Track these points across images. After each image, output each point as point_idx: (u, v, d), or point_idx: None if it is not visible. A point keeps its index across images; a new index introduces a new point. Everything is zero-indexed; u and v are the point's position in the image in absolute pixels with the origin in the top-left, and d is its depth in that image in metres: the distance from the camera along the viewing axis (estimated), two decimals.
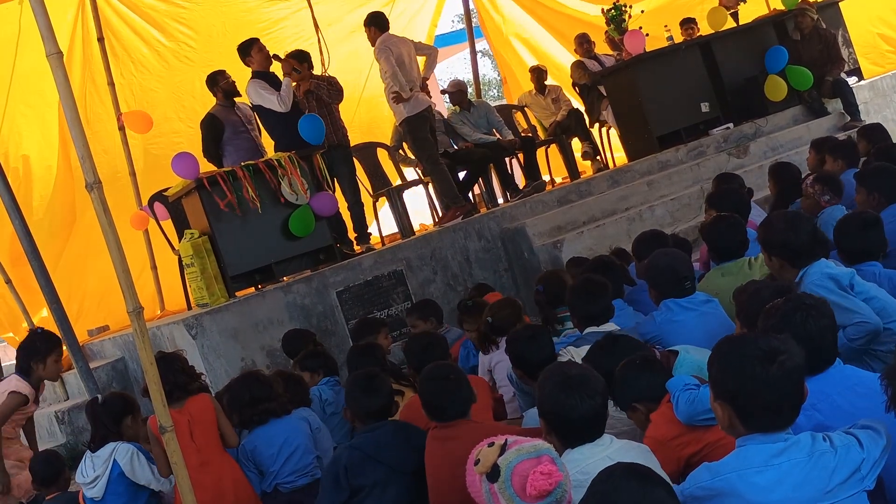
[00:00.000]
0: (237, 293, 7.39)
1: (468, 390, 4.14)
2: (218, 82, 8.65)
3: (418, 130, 8.88)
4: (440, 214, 9.40)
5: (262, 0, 10.81)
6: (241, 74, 8.75)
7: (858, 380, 3.16)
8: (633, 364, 3.74)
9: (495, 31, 13.42)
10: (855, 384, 3.14)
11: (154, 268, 9.86)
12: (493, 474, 2.98)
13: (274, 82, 8.41)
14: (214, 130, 8.57)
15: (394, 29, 9.30)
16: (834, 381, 3.12)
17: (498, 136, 10.56)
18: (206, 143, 8.62)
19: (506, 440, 3.06)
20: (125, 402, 5.33)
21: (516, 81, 13.38)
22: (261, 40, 8.65)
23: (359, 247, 8.63)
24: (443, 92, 11.01)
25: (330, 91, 8.88)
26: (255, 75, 8.48)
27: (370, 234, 8.98)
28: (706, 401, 3.33)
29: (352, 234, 8.90)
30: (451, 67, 34.43)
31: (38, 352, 5.98)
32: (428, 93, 9.15)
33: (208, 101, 8.89)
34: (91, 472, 5.10)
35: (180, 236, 7.96)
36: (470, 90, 11.60)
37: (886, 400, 2.65)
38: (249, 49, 8.53)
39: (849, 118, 10.09)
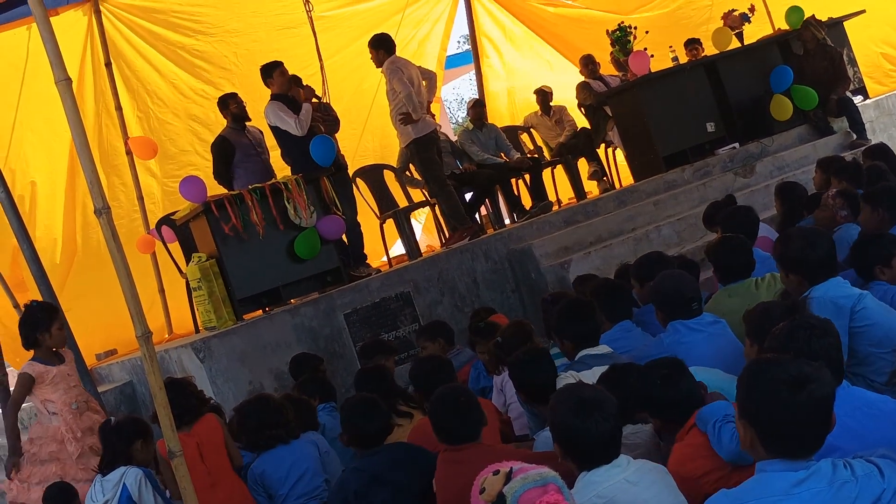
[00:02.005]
0: (245, 316, 7.39)
1: (479, 413, 4.13)
2: (228, 106, 8.69)
3: (426, 151, 8.91)
4: (446, 236, 9.40)
5: (271, 30, 10.89)
6: (253, 104, 8.80)
7: (866, 401, 3.15)
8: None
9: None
10: (863, 405, 3.12)
11: (162, 291, 9.88)
12: (500, 502, 2.97)
13: (293, 106, 8.44)
14: (225, 153, 8.60)
15: (404, 55, 9.36)
16: (843, 402, 3.07)
17: (505, 158, 10.59)
18: (217, 165, 8.65)
19: (511, 468, 3.04)
20: (137, 425, 5.33)
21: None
22: (284, 64, 8.67)
23: (356, 271, 8.57)
24: (472, 105, 11.05)
25: (326, 119, 8.90)
26: (275, 97, 8.53)
27: (366, 255, 8.93)
28: None
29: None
30: (458, 89, 34.61)
31: (39, 323, 6.09)
32: (432, 116, 9.20)
33: None
34: (101, 497, 5.09)
35: (188, 260, 7.97)
36: None
37: None
38: (272, 71, 8.57)
39: (855, 137, 10.11)
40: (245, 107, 8.76)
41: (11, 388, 7.00)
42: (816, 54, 10.41)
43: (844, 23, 11.24)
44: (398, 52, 9.10)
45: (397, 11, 11.93)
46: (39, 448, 6.05)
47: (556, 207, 10.36)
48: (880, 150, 8.06)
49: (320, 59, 8.90)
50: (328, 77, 8.84)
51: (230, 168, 8.62)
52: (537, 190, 10.48)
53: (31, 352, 6.25)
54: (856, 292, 4.22)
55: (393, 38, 9.17)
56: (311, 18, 9.09)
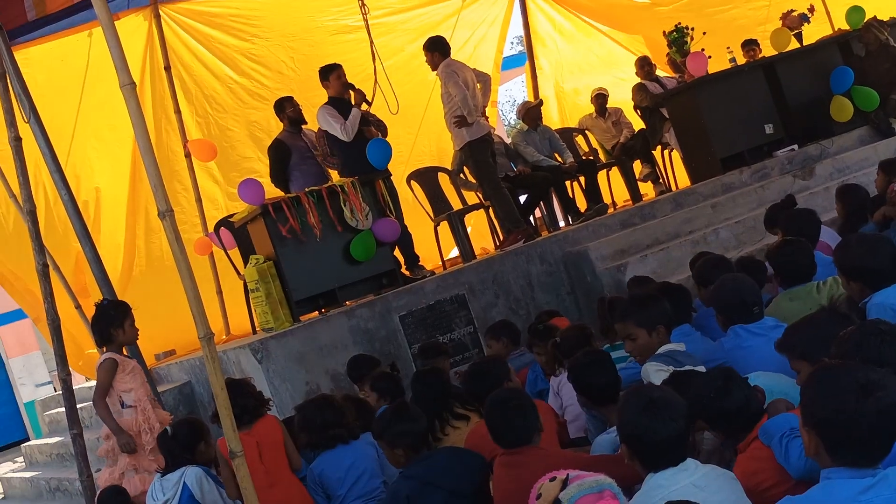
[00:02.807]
0: (301, 318, 7.45)
1: (534, 417, 4.13)
2: (285, 109, 8.81)
3: (480, 154, 8.93)
4: (500, 238, 9.38)
5: (328, 34, 10.98)
6: (311, 109, 8.87)
7: None
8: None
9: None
10: None
11: (219, 293, 9.99)
12: None
13: (345, 110, 8.50)
14: (282, 156, 8.72)
15: (460, 57, 9.37)
16: None
17: (559, 160, 10.56)
18: (274, 169, 8.77)
19: (567, 475, 3.04)
20: (195, 428, 5.40)
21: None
22: (342, 67, 8.74)
23: (409, 273, 8.61)
24: (530, 106, 11.04)
25: (378, 126, 8.93)
26: (329, 101, 8.60)
27: (419, 256, 8.94)
28: None
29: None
30: (511, 91, 34.57)
31: (114, 319, 6.21)
32: (486, 118, 9.21)
33: None
34: (161, 496, 5.17)
35: (246, 261, 8.05)
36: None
37: None
38: (329, 73, 8.66)
39: None
40: (301, 110, 8.85)
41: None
42: (879, 55, 10.24)
43: None
44: (453, 55, 9.12)
45: (452, 14, 11.96)
46: (115, 441, 6.12)
47: (611, 210, 10.31)
48: None
49: (374, 64, 8.91)
50: (383, 80, 8.85)
51: (286, 171, 8.71)
52: (592, 192, 10.45)
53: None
54: None
55: (448, 41, 9.20)
56: (366, 21, 9.10)
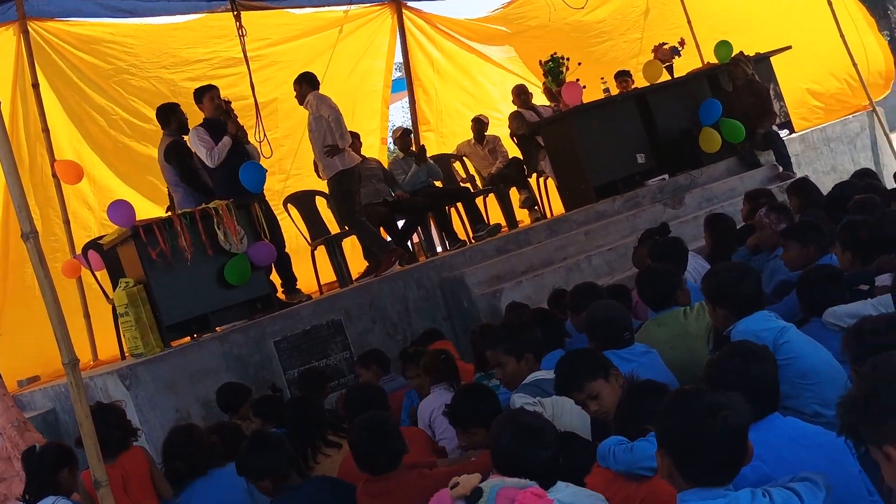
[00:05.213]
0: (172, 343, 7.27)
1: (399, 442, 4.11)
2: (177, 112, 8.47)
3: (350, 184, 8.85)
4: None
5: (210, 68, 10.74)
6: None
7: (802, 431, 3.19)
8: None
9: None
10: (799, 436, 3.16)
11: (87, 316, 9.68)
12: (474, 496, 3.04)
13: (217, 133, 8.30)
14: (186, 155, 8.35)
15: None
16: (779, 432, 3.14)
17: (439, 184, 10.62)
18: (183, 168, 8.33)
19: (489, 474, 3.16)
20: (62, 453, 5.17)
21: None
22: (217, 89, 8.59)
23: (286, 297, 8.50)
24: (399, 134, 11.08)
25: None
26: (203, 121, 8.41)
27: (296, 279, 8.83)
28: (644, 451, 3.32)
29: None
30: (391, 116, 34.57)
31: None
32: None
33: None
34: None
35: (115, 285, 7.83)
36: None
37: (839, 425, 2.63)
38: (202, 95, 8.49)
39: (781, 169, 10.31)
40: (187, 120, 8.60)
41: None
42: (745, 90, 10.63)
43: (771, 58, 11.49)
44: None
45: (329, 47, 11.84)
46: None
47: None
48: (804, 185, 8.20)
49: (255, 96, 8.81)
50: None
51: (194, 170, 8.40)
52: (474, 217, 10.49)
53: None
54: (779, 325, 4.19)
55: (325, 72, 9.18)
56: (243, 43, 8.99)
